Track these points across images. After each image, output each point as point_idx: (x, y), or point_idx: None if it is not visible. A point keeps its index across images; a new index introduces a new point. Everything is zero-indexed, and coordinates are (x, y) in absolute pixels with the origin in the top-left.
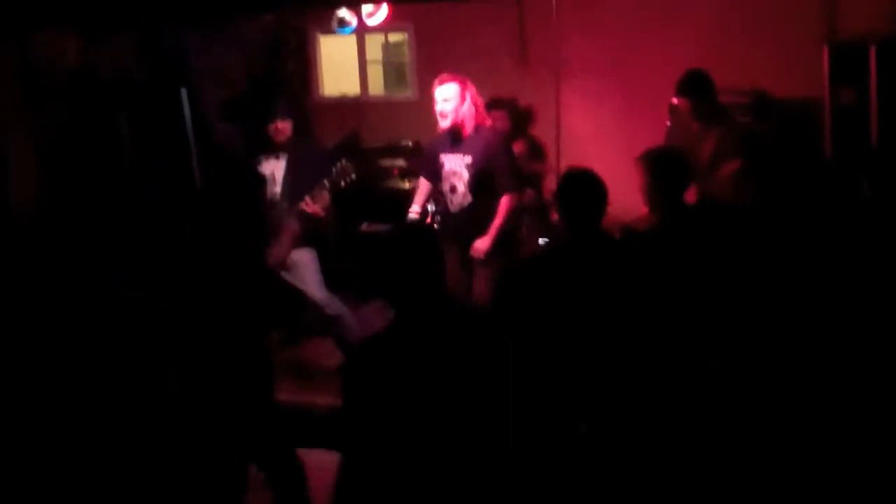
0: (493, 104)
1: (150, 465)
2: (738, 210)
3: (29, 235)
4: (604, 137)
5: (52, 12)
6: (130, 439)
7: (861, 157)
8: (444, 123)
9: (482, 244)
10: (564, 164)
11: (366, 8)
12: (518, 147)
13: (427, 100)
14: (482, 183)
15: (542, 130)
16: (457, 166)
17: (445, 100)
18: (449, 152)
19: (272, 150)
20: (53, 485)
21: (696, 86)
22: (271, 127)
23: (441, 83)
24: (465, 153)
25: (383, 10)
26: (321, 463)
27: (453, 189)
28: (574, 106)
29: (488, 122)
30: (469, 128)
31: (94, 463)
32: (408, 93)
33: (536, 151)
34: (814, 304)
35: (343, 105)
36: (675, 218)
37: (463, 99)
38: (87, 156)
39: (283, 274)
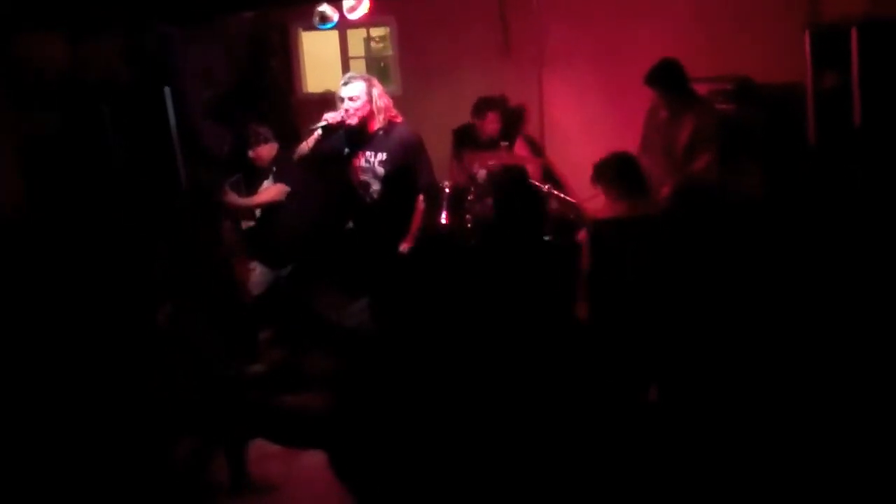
0: (484, 105)
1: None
2: (725, 195)
3: (14, 236)
4: (587, 127)
5: (38, 14)
6: (123, 438)
7: (845, 139)
8: (352, 121)
9: (405, 247)
10: (549, 154)
11: (347, 3)
12: (520, 149)
13: (411, 94)
14: (397, 180)
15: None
16: (367, 164)
17: (351, 98)
18: (356, 151)
19: (260, 175)
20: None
21: (665, 75)
22: (250, 155)
23: (347, 82)
24: (376, 150)
25: (364, 5)
26: (311, 463)
27: (365, 186)
28: (557, 96)
29: (399, 119)
30: (376, 125)
31: (80, 464)
32: (391, 87)
33: (535, 150)
34: (809, 285)
35: (327, 101)
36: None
37: (369, 97)
38: (72, 156)
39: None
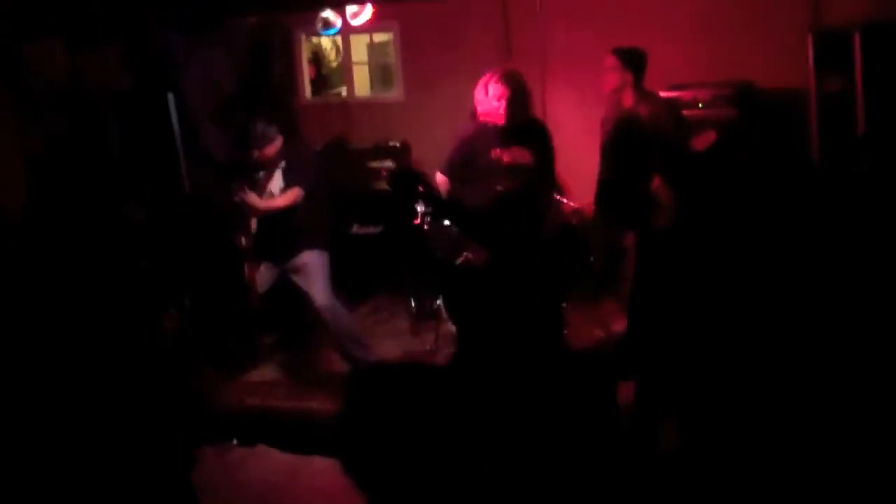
0: None
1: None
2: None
3: (17, 240)
4: (590, 130)
5: (42, 22)
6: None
7: (848, 144)
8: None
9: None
10: None
11: (350, 8)
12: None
13: (414, 99)
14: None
15: None
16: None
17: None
18: (501, 145)
19: (263, 168)
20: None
21: (632, 55)
22: (254, 154)
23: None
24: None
25: (368, 10)
26: (319, 469)
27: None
28: (560, 99)
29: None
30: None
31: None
32: (394, 93)
33: None
34: (811, 294)
35: (329, 107)
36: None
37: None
38: (76, 162)
39: (292, 275)
